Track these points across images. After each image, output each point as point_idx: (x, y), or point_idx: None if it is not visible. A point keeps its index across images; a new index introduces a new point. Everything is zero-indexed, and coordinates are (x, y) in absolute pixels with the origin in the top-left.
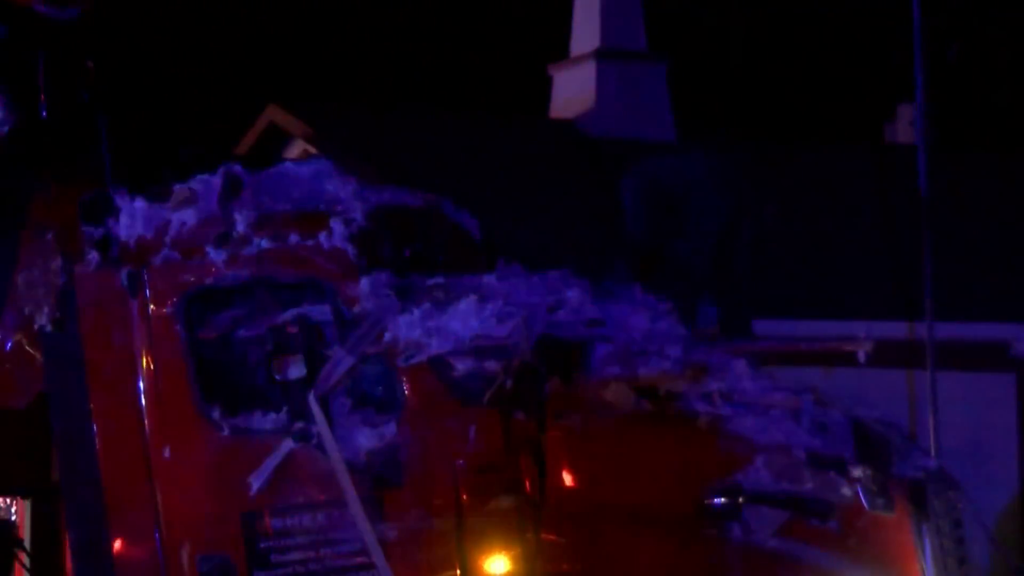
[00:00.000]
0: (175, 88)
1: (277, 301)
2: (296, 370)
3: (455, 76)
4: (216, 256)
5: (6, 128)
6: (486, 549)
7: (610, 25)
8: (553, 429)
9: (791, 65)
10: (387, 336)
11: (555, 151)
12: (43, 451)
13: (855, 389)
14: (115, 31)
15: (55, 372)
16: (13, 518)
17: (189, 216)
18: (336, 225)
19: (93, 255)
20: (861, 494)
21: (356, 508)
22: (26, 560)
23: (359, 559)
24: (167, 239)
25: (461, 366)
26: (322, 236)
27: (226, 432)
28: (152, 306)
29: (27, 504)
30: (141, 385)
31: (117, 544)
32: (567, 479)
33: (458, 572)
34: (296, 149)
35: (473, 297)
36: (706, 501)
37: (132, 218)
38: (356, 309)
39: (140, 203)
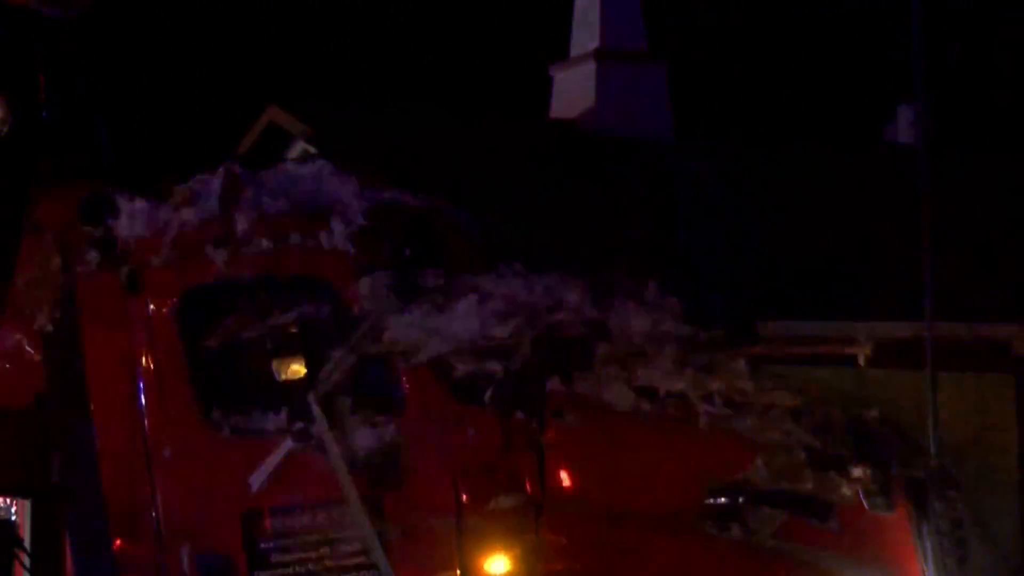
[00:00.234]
0: (175, 88)
1: (277, 301)
2: (296, 370)
3: (455, 76)
4: (216, 256)
5: (6, 128)
6: (486, 549)
7: (610, 25)
8: (553, 429)
9: (791, 65)
10: (387, 336)
11: (555, 151)
12: (43, 451)
13: (855, 389)
14: (115, 31)
15: (55, 372)
16: (13, 518)
17: (189, 216)
18: (336, 225)
19: (93, 255)
20: (861, 494)
21: (356, 508)
22: (26, 560)
23: (359, 559)
24: (167, 239)
25: (461, 366)
26: (322, 236)
27: (226, 432)
28: (152, 306)
29: (27, 504)
30: (141, 385)
31: (117, 544)
32: (567, 479)
33: (458, 572)
34: (296, 149)
35: (473, 297)
36: (706, 501)
37: (132, 218)
38: (356, 309)
39: (140, 203)
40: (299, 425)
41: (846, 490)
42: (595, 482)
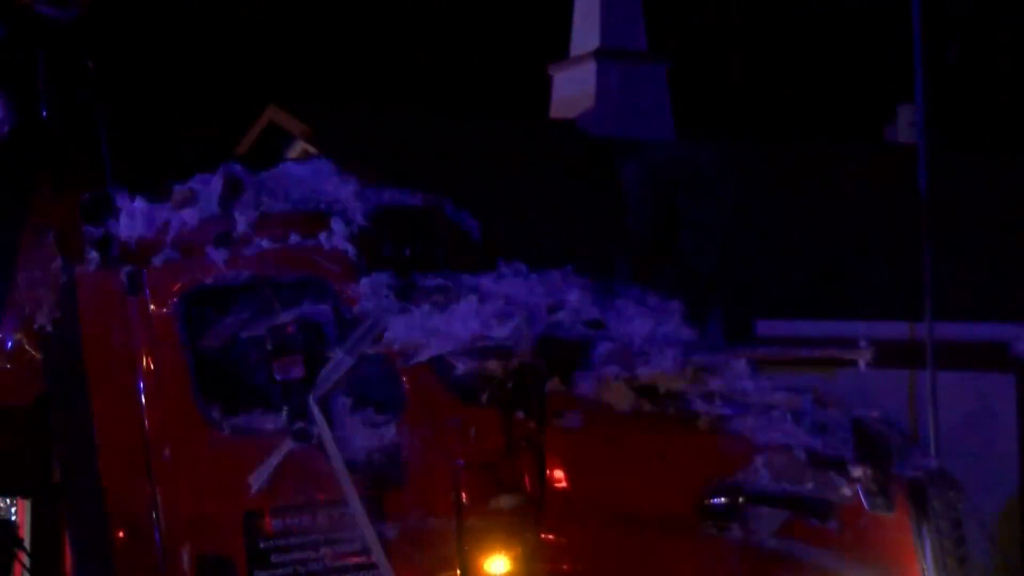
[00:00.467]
0: (175, 88)
1: (277, 301)
2: (296, 370)
3: (455, 76)
4: (216, 256)
5: (6, 128)
6: (486, 549)
7: (610, 25)
8: (553, 429)
9: (791, 65)
10: (387, 336)
11: (555, 151)
12: (43, 451)
13: (855, 389)
14: (115, 31)
15: (55, 372)
16: (13, 518)
17: (189, 216)
18: (336, 225)
19: (93, 255)
20: (861, 494)
21: (356, 508)
22: (26, 560)
23: (359, 559)
24: (167, 239)
25: (461, 366)
26: (322, 236)
27: (226, 432)
28: (152, 306)
29: (27, 504)
30: (141, 385)
31: (117, 544)
32: (567, 479)
33: (458, 572)
34: (296, 149)
35: (473, 297)
36: (706, 501)
37: (132, 218)
38: (356, 309)
39: (140, 203)
40: (299, 425)
41: (846, 490)
42: (595, 482)
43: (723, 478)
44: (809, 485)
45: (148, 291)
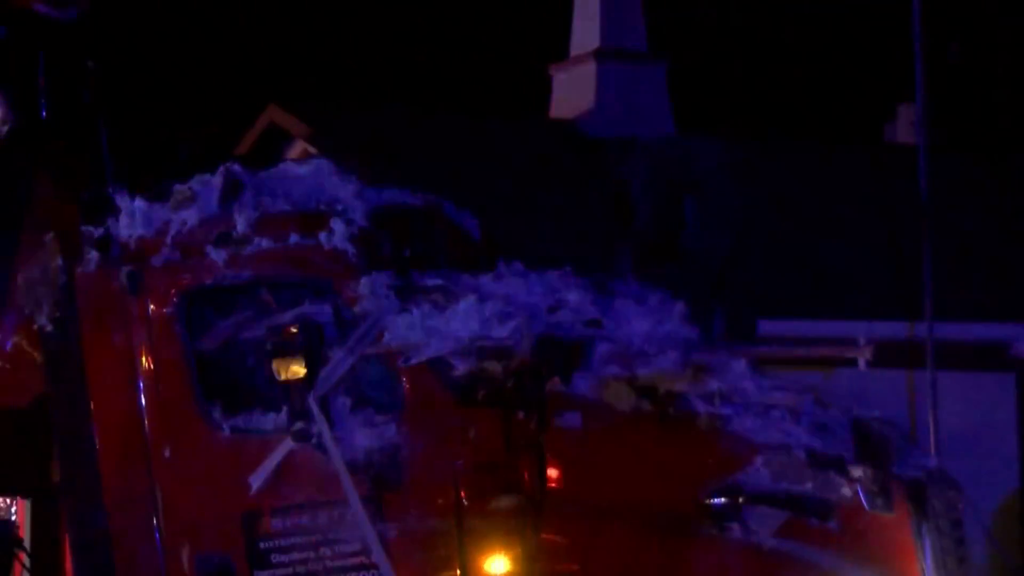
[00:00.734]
0: (175, 88)
1: (277, 301)
2: (296, 370)
3: (455, 76)
4: (216, 256)
5: (6, 128)
6: (486, 549)
7: (610, 25)
8: (553, 429)
9: (791, 64)
10: (387, 336)
11: (555, 151)
12: (43, 451)
13: (855, 389)
14: (115, 31)
15: (55, 372)
16: (13, 518)
17: (189, 216)
18: (336, 225)
19: (93, 255)
20: (861, 494)
21: (356, 508)
22: (26, 560)
23: (359, 559)
24: (167, 239)
25: (461, 366)
26: (322, 236)
27: (226, 432)
28: (152, 306)
29: (27, 504)
30: (141, 385)
31: (117, 544)
32: (567, 479)
33: (458, 572)
34: (296, 149)
35: (473, 297)
36: (706, 501)
37: (132, 218)
38: (356, 309)
39: (140, 203)
40: (299, 425)
41: (846, 490)
42: (595, 482)
43: (723, 478)
44: (809, 485)
45: (148, 291)
